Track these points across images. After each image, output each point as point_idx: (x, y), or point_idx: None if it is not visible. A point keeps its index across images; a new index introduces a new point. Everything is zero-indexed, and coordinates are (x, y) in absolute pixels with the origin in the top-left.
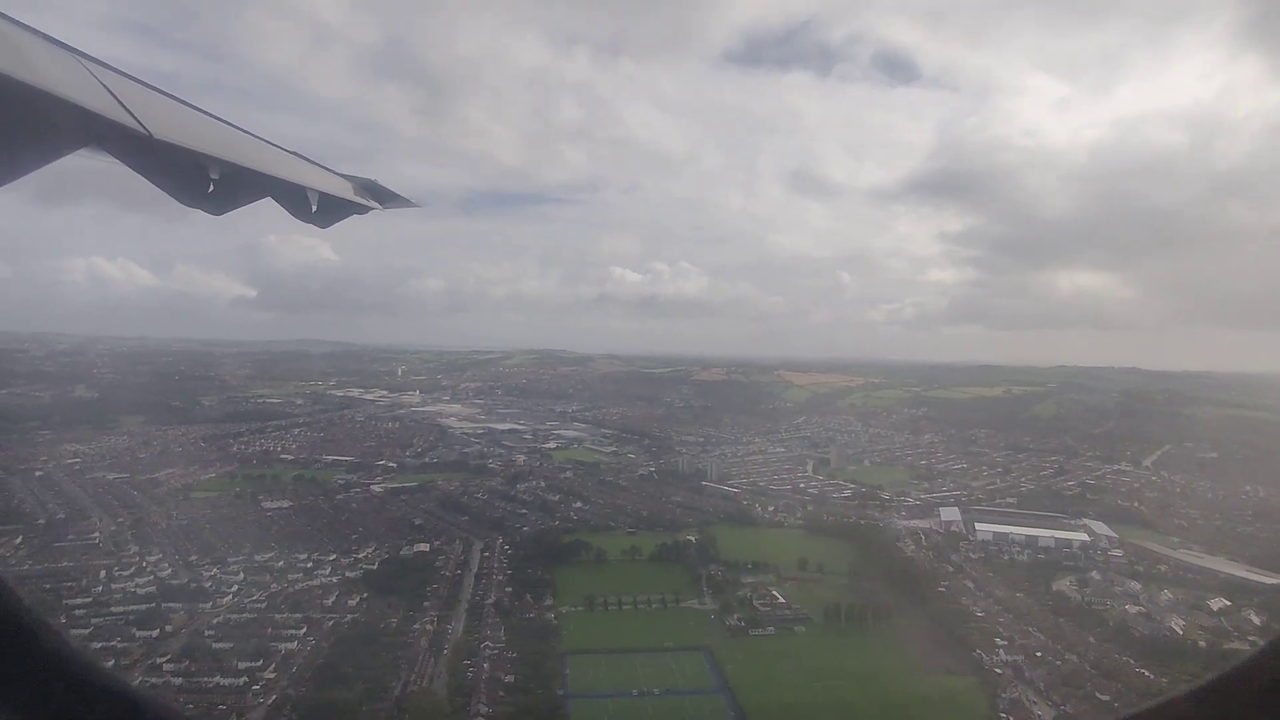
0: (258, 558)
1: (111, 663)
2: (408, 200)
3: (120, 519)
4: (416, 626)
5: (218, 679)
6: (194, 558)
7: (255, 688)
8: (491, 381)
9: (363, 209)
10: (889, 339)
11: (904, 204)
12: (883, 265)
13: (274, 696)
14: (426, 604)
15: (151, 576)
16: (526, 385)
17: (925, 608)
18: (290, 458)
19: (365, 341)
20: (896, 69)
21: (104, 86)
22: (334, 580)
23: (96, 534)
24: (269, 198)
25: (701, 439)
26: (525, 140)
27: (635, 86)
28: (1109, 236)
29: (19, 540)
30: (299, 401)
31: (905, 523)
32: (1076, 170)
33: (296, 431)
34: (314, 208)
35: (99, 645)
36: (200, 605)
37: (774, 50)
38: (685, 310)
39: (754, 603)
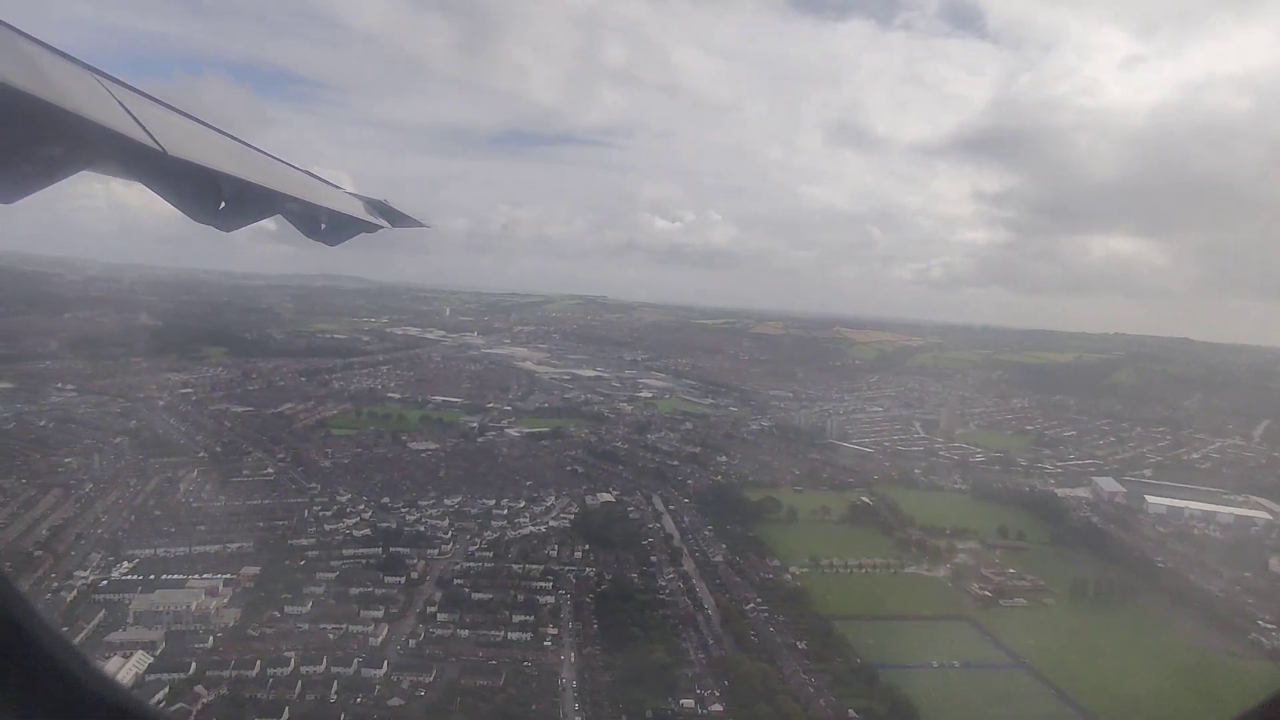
0: (447, 502)
1: (381, 611)
2: (417, 221)
3: (279, 455)
4: (662, 583)
5: (504, 633)
6: (385, 500)
7: (545, 644)
8: (543, 326)
9: (372, 228)
10: (915, 298)
11: (946, 160)
12: (913, 223)
13: (573, 654)
14: (653, 559)
15: (358, 519)
16: (580, 331)
17: (1158, 583)
18: (397, 397)
19: (387, 279)
20: (963, 19)
21: (119, 103)
22: (542, 529)
23: (270, 469)
24: (278, 215)
25: (789, 394)
26: (565, 80)
27: (687, 28)
28: (1156, 203)
29: (195, 474)
30: (365, 338)
31: (1062, 491)
32: (1131, 133)
33: (385, 370)
34: (323, 225)
35: (356, 590)
36: (428, 551)
37: None
38: (713, 261)
39: (981, 571)
